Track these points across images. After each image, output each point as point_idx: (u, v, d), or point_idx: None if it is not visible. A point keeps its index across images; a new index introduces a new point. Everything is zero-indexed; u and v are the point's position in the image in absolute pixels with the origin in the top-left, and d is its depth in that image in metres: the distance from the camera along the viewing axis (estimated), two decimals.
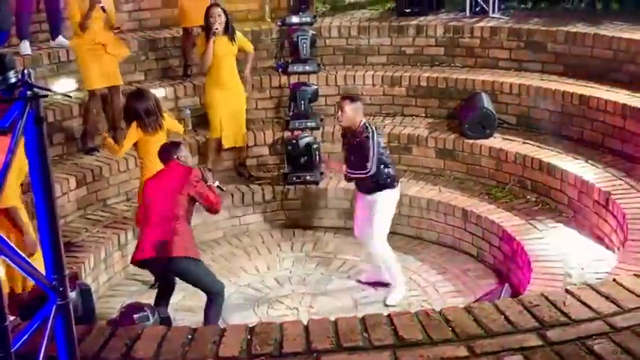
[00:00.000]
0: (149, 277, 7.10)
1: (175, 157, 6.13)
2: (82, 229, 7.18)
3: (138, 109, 6.63)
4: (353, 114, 6.51)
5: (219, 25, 7.69)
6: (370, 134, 6.42)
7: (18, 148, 2.20)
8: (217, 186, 6.39)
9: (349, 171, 6.64)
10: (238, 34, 7.99)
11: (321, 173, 8.30)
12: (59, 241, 2.30)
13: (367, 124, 6.53)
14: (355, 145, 6.54)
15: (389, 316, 3.13)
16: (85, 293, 5.74)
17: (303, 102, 8.46)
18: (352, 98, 6.68)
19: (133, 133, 6.70)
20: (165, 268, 6.01)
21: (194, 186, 5.93)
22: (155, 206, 5.94)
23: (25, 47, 8.17)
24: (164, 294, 6.24)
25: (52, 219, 2.26)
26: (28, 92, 2.14)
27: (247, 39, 8.33)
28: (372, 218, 6.65)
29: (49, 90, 2.23)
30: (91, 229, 7.22)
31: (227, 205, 7.97)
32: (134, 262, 6.13)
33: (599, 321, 2.98)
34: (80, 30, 7.54)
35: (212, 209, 6.19)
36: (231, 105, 8.00)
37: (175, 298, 6.78)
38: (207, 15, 7.75)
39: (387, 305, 6.70)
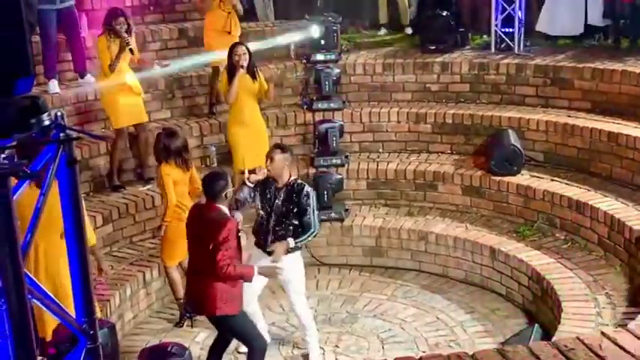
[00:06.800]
0: (174, 315, 7.08)
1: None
2: (107, 267, 7.17)
3: (173, 147, 6.59)
4: (282, 164, 6.19)
5: (244, 62, 7.73)
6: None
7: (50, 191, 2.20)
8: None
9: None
10: (260, 74, 8.02)
11: (347, 210, 8.26)
12: (89, 284, 2.28)
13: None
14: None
15: (420, 359, 3.07)
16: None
17: (334, 139, 8.41)
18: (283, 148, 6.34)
19: (167, 177, 6.57)
20: None
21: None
22: None
23: (54, 86, 8.24)
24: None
25: (83, 262, 2.24)
26: (61, 134, 2.14)
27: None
28: (293, 277, 6.30)
29: (82, 132, 2.23)
30: (117, 266, 7.21)
31: (252, 243, 7.92)
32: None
33: None
34: (110, 71, 7.65)
35: None
36: (254, 142, 7.97)
37: (201, 336, 6.75)
38: (232, 53, 7.79)
39: None
